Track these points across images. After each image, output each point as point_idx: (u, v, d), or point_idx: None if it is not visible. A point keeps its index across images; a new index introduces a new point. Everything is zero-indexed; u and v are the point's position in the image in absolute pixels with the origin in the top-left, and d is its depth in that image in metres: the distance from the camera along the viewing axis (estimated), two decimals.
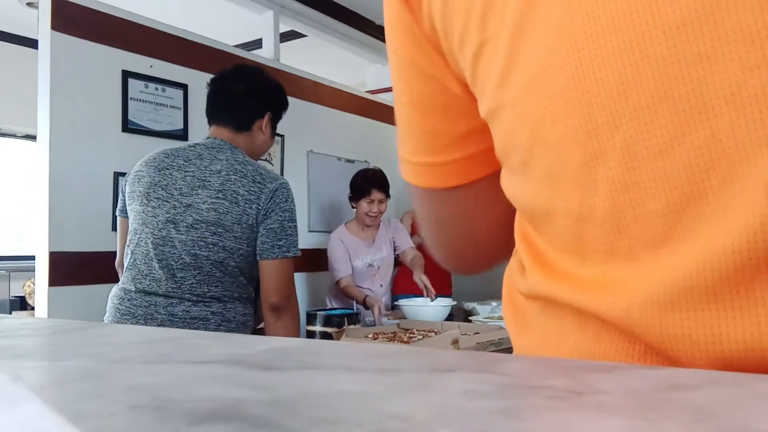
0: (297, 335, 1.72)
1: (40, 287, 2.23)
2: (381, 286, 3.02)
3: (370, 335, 2.11)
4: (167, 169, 1.66)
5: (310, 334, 2.43)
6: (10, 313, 3.95)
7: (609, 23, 0.31)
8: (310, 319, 2.49)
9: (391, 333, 2.15)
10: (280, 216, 1.63)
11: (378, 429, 0.17)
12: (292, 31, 3.88)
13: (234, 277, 1.64)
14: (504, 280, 0.48)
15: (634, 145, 0.31)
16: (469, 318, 2.54)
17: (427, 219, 0.55)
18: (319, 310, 2.58)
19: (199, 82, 2.67)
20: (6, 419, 0.13)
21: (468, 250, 0.56)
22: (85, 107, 2.30)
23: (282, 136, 3.19)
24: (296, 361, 0.28)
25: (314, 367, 0.27)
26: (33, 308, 3.68)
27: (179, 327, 1.60)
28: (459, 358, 0.29)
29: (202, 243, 1.60)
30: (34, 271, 2.27)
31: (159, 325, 1.60)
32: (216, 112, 1.76)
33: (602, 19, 0.31)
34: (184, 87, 2.66)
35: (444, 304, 2.61)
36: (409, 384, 0.23)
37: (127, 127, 2.43)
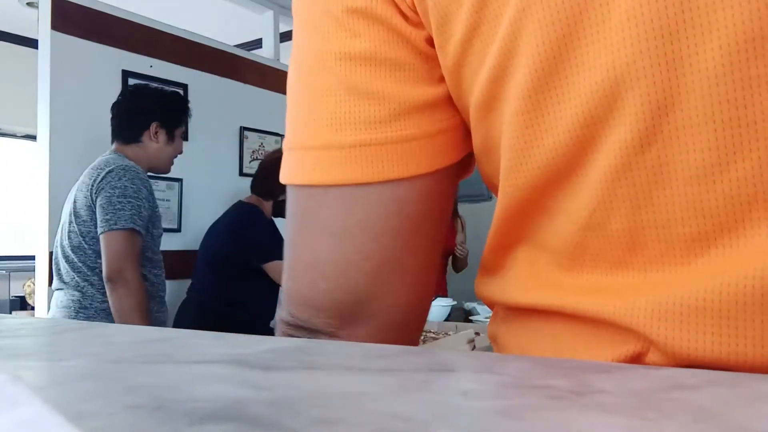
0: (136, 310, 1.78)
1: (40, 287, 2.23)
2: None
3: None
4: (77, 184, 1.93)
5: None
6: (10, 313, 3.95)
7: (654, 26, 0.27)
8: None
9: None
10: (109, 192, 1.79)
11: (378, 429, 0.17)
12: (292, 30, 3.87)
13: (93, 261, 1.82)
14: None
15: (668, 165, 0.28)
16: (470, 318, 2.54)
17: (317, 227, 0.37)
18: None
19: (199, 82, 2.67)
20: (6, 419, 0.13)
21: (356, 283, 0.37)
22: (85, 107, 2.30)
23: (282, 136, 3.18)
24: (296, 361, 0.28)
25: (314, 367, 0.27)
26: (33, 308, 3.68)
27: (61, 317, 1.83)
28: (459, 358, 0.29)
29: (65, 233, 1.85)
30: (34, 271, 2.27)
31: (54, 317, 1.86)
32: (112, 132, 2.01)
33: (647, 20, 0.27)
34: (184, 87, 2.66)
35: (443, 304, 2.61)
36: (409, 384, 0.23)
37: None
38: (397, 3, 0.35)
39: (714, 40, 0.26)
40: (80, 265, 1.82)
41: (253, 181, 2.52)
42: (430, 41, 0.36)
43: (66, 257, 1.84)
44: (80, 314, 1.79)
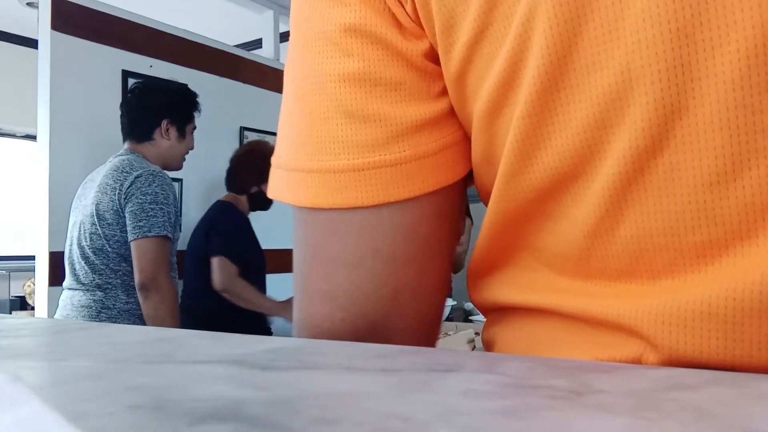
0: (170, 316, 1.78)
1: (40, 287, 2.23)
2: None
3: None
4: (87, 183, 1.94)
5: None
6: (10, 313, 3.95)
7: (671, 27, 0.26)
8: None
9: None
10: (141, 199, 1.77)
11: (378, 429, 0.17)
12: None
13: (117, 264, 1.81)
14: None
15: (680, 171, 0.27)
16: (470, 318, 2.54)
17: (330, 259, 0.37)
18: None
19: (199, 82, 2.67)
20: (6, 419, 0.13)
21: (370, 308, 0.37)
22: (85, 107, 2.30)
23: None
24: (296, 361, 0.28)
25: (314, 367, 0.27)
26: (33, 308, 3.68)
27: (76, 316, 1.82)
28: (459, 358, 0.29)
29: (86, 234, 1.82)
30: (34, 271, 2.28)
31: (68, 315, 1.86)
32: (123, 129, 2.00)
33: (663, 21, 0.26)
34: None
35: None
36: (409, 384, 0.23)
37: None
38: (395, 13, 0.34)
39: (732, 43, 0.25)
40: (102, 267, 1.80)
41: (226, 179, 2.51)
42: (428, 54, 0.35)
43: (86, 258, 1.82)
44: (102, 314, 1.78)
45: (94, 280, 1.81)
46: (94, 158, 2.28)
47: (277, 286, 2.54)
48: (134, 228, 1.76)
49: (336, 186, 0.35)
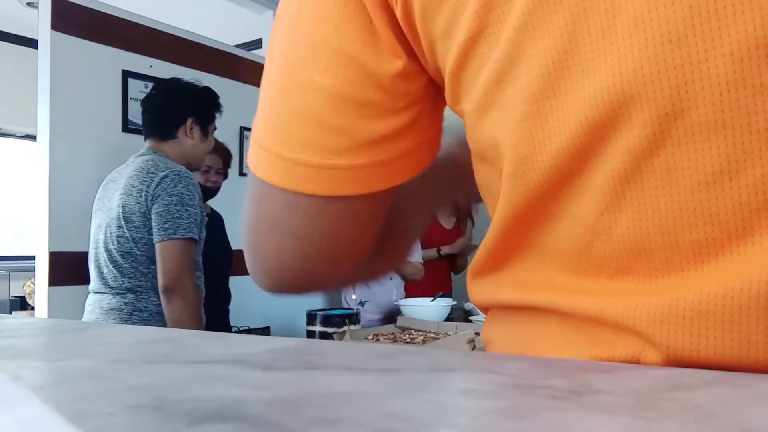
0: (192, 321, 1.74)
1: (40, 287, 2.23)
2: (390, 279, 2.97)
3: (371, 336, 2.11)
4: (108, 184, 1.91)
5: (310, 334, 2.43)
6: (10, 313, 3.95)
7: (662, 31, 0.27)
8: (310, 319, 2.48)
9: (391, 334, 2.14)
10: (166, 200, 1.73)
11: (378, 429, 0.17)
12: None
13: (146, 267, 1.77)
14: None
15: (677, 170, 0.28)
16: (470, 318, 2.54)
17: (284, 230, 0.42)
18: (319, 310, 2.58)
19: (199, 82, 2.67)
20: (6, 419, 0.13)
21: (314, 268, 0.44)
22: (85, 107, 2.31)
23: None
24: (296, 361, 0.28)
25: (314, 367, 0.27)
26: (33, 308, 3.68)
27: (106, 319, 1.77)
28: (459, 358, 0.29)
29: (113, 237, 1.78)
30: (34, 271, 2.27)
31: (97, 319, 1.79)
32: (145, 127, 1.95)
33: (655, 26, 0.27)
34: None
35: (444, 304, 2.60)
36: (409, 384, 0.23)
37: (127, 127, 2.43)
38: (377, 27, 0.36)
39: (725, 46, 0.26)
40: (131, 270, 1.77)
41: None
42: (401, 73, 0.37)
43: (114, 262, 1.78)
44: (134, 317, 1.75)
45: (123, 284, 1.77)
46: (94, 158, 2.28)
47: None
48: (159, 230, 1.72)
49: (299, 175, 0.39)
